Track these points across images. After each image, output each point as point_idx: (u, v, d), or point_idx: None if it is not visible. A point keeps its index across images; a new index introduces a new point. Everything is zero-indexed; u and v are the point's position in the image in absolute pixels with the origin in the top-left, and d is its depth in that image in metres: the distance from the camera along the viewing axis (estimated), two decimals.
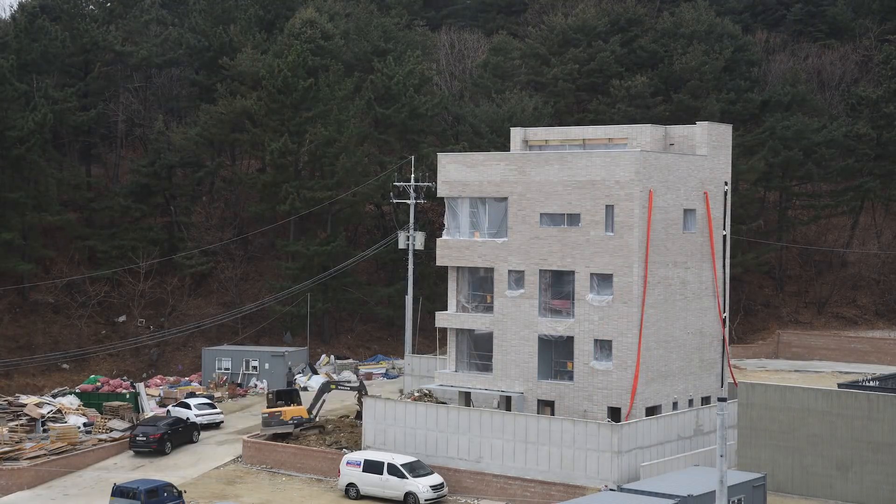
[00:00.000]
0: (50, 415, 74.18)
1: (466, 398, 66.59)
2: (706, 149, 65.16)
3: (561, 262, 62.69)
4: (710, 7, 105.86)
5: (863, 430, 53.59)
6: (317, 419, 67.46)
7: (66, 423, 71.66)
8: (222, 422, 73.27)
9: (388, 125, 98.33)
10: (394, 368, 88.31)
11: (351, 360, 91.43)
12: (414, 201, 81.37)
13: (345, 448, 62.86)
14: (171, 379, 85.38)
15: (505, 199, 64.81)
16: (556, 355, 63.78)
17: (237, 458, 67.12)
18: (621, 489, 50.91)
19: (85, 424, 71.72)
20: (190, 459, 67.35)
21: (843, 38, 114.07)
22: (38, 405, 75.93)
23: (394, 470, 57.80)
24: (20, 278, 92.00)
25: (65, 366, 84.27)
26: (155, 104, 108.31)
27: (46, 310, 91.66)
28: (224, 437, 71.59)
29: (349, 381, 72.00)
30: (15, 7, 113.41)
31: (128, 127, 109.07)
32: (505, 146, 72.77)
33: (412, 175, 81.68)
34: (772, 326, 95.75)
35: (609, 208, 61.09)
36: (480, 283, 66.70)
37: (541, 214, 63.43)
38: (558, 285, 63.37)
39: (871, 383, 61.73)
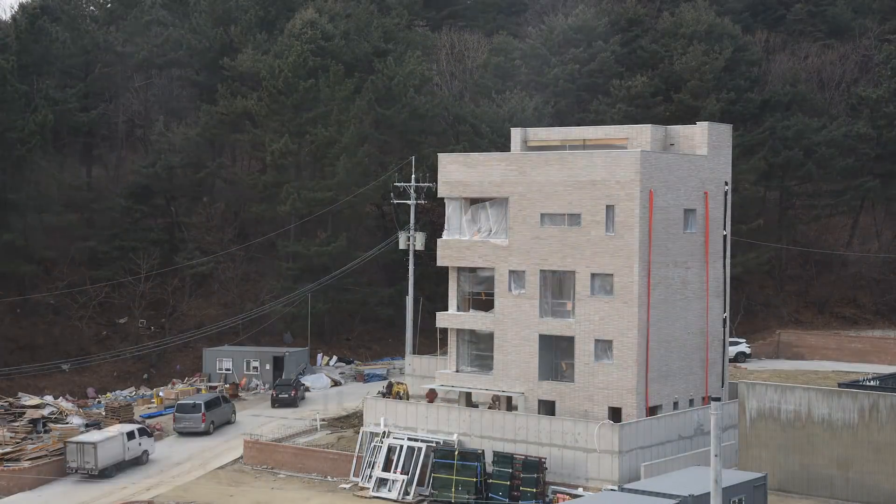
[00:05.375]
0: (51, 416, 74.43)
1: (467, 398, 66.70)
2: (706, 149, 65.22)
3: (561, 263, 62.74)
4: (710, 7, 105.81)
5: (863, 430, 53.67)
6: None
7: (67, 423, 71.84)
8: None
9: (389, 126, 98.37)
10: (395, 368, 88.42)
11: (354, 362, 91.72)
12: (414, 202, 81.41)
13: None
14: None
15: (505, 199, 64.87)
16: (556, 355, 63.85)
17: (238, 458, 67.25)
18: (622, 489, 51.01)
19: (87, 425, 71.88)
20: (193, 461, 67.51)
21: (843, 38, 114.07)
22: (39, 406, 76.17)
23: None
24: (21, 279, 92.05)
25: (65, 367, 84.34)
26: (155, 105, 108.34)
27: (47, 311, 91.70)
28: None
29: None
30: (16, 8, 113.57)
31: (128, 128, 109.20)
32: (505, 146, 72.83)
33: (413, 175, 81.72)
34: (772, 326, 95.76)
35: (609, 208, 61.14)
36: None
37: (541, 215, 63.47)
38: (559, 285, 63.42)
39: (872, 383, 61.82)
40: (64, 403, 77.73)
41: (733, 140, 69.88)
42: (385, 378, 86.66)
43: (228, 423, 73.69)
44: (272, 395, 79.82)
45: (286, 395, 79.06)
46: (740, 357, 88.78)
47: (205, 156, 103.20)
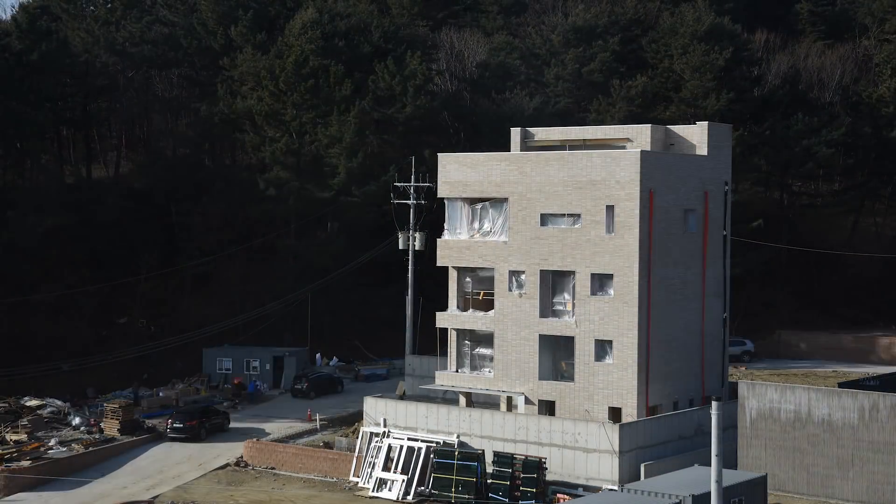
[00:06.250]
0: (51, 415, 74.45)
1: (467, 398, 66.69)
2: (706, 149, 65.23)
3: (561, 263, 62.75)
4: (710, 7, 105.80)
5: (863, 430, 53.68)
6: None
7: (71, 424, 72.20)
8: None
9: (389, 126, 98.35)
10: (394, 368, 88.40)
11: (354, 362, 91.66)
12: (414, 202, 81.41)
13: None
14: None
15: (505, 199, 64.87)
16: (556, 355, 63.86)
17: (239, 458, 67.24)
18: (622, 489, 51.02)
19: (87, 426, 72.01)
20: (192, 461, 67.52)
21: (843, 38, 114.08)
22: (40, 407, 76.14)
23: None
24: (21, 279, 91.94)
25: (65, 367, 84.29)
26: (156, 105, 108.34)
27: (47, 311, 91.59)
28: None
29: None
30: (16, 8, 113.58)
31: (128, 127, 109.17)
32: (505, 146, 72.82)
33: (413, 175, 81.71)
34: (772, 326, 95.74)
35: (609, 208, 61.15)
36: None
37: (541, 215, 63.48)
38: (559, 285, 63.42)
39: (872, 383, 61.82)
40: (59, 403, 77.59)
41: (733, 140, 69.85)
42: (385, 378, 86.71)
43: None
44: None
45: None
46: (745, 356, 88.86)
47: (205, 156, 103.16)
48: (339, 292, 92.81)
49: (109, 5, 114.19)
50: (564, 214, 62.86)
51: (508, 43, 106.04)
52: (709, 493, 42.14)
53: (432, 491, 59.28)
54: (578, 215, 62.22)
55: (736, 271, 77.04)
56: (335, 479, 62.97)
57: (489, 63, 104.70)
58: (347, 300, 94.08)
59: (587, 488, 56.17)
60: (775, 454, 55.87)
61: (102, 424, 71.51)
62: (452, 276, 67.22)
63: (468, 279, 67.02)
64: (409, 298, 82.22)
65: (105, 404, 74.34)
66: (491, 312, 65.30)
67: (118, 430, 70.59)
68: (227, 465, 66.60)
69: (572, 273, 62.43)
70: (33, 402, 76.85)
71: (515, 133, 70.27)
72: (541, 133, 70.20)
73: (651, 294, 61.00)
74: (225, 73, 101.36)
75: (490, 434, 60.07)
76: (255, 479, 63.95)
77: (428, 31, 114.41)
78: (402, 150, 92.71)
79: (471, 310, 66.64)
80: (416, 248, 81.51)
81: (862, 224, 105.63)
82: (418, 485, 59.84)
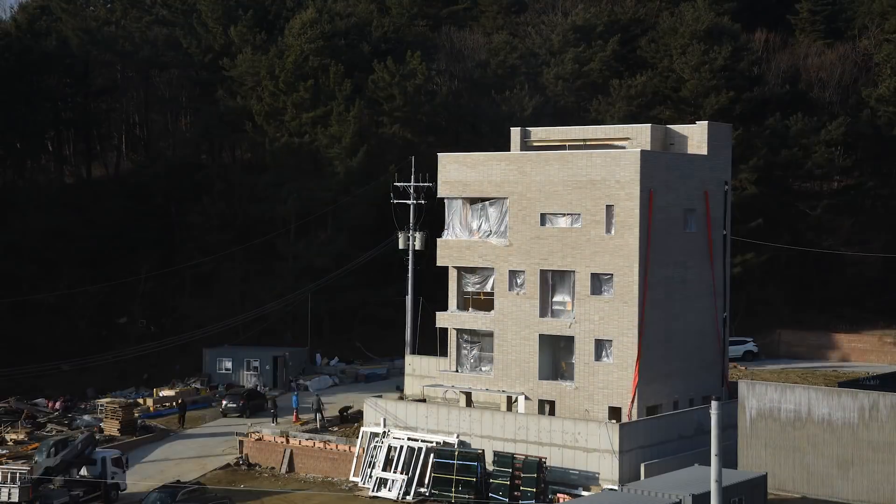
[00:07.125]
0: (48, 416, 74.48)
1: (467, 398, 66.72)
2: (706, 149, 65.24)
3: (561, 262, 62.76)
4: (710, 6, 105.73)
5: (863, 430, 53.67)
6: None
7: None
8: None
9: (389, 126, 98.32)
10: (394, 368, 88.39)
11: (354, 362, 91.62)
12: (414, 202, 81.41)
13: None
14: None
15: (505, 199, 64.88)
16: (556, 355, 63.87)
17: (238, 458, 67.26)
18: (622, 489, 51.04)
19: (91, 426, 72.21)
20: (193, 461, 67.54)
21: (843, 37, 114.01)
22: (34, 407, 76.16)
23: None
24: (21, 279, 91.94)
25: (65, 367, 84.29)
26: (156, 105, 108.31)
27: (47, 311, 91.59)
28: None
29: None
30: (16, 8, 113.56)
31: (128, 127, 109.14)
32: (505, 146, 72.81)
33: (412, 175, 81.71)
34: (772, 326, 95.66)
35: (609, 208, 61.19)
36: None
37: (541, 214, 63.52)
38: (559, 285, 63.43)
39: (872, 382, 61.84)
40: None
41: (733, 140, 69.83)
42: (385, 378, 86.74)
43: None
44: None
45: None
46: (748, 356, 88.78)
47: (204, 156, 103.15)
48: (339, 292, 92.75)
49: (109, 5, 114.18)
50: (564, 214, 62.88)
51: (508, 43, 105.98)
52: (709, 493, 42.16)
53: (432, 491, 59.30)
54: (578, 215, 62.25)
55: (736, 271, 77.12)
56: (335, 479, 62.97)
57: (489, 63, 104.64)
58: (347, 300, 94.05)
59: (587, 488, 56.18)
60: (775, 454, 55.87)
61: (102, 424, 71.53)
62: (452, 275, 67.24)
63: (468, 279, 67.03)
64: (409, 298, 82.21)
65: (105, 404, 74.35)
66: (491, 312, 65.33)
67: (118, 429, 70.59)
68: (228, 464, 66.64)
69: (572, 273, 62.47)
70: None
71: (515, 133, 70.29)
72: (541, 133, 70.22)
73: (651, 293, 61.00)
74: (225, 73, 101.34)
75: (490, 434, 60.07)
76: (255, 478, 63.98)
77: (428, 30, 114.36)
78: (402, 150, 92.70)
79: (471, 310, 66.67)
80: (416, 248, 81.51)
81: (862, 224, 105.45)
82: (418, 485, 59.88)
